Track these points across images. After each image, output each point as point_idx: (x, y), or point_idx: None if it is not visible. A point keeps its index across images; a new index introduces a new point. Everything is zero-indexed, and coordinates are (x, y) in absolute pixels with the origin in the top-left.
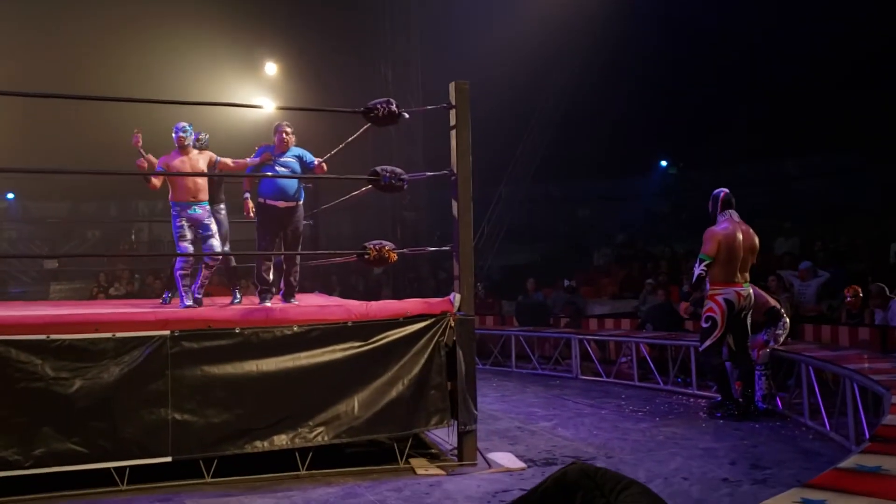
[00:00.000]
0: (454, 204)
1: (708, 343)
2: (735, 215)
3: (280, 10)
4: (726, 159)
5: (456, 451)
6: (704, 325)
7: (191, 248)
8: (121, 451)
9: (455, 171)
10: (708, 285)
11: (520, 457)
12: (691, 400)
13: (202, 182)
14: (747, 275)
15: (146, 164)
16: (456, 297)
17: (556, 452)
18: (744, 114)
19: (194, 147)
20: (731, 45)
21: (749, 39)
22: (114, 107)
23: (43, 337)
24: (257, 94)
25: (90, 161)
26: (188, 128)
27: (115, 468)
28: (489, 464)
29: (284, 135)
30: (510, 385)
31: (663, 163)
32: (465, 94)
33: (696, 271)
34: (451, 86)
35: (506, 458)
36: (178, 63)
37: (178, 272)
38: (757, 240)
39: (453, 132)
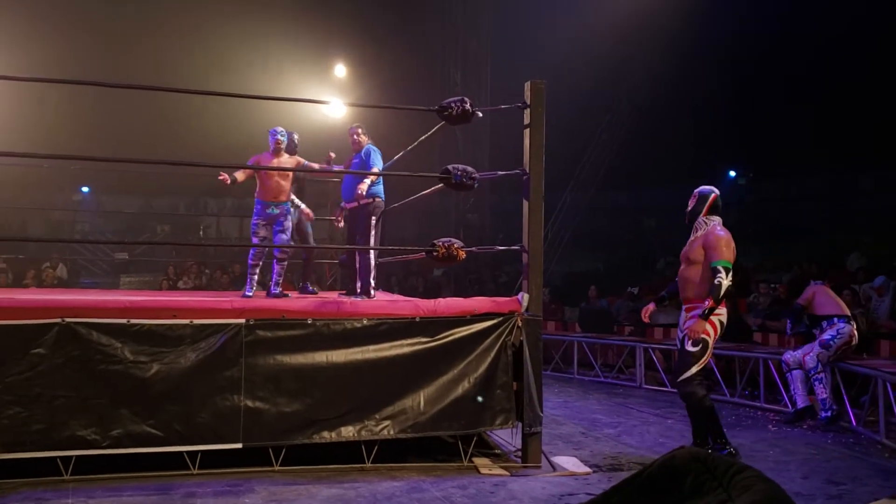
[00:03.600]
0: (525, 203)
1: (694, 370)
2: None
3: (349, 13)
4: (797, 171)
5: (519, 453)
6: (692, 348)
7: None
8: (194, 436)
9: (527, 170)
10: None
11: (584, 462)
12: (759, 413)
13: (285, 185)
14: None
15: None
16: (524, 297)
17: (621, 459)
18: (816, 125)
19: (287, 149)
20: (805, 55)
21: (823, 49)
22: (188, 103)
23: (123, 321)
24: (326, 95)
25: (163, 156)
26: (284, 132)
27: (187, 452)
28: (553, 467)
29: (355, 136)
30: (572, 391)
31: (732, 173)
32: (540, 93)
33: (725, 283)
34: (527, 85)
35: (570, 462)
36: (248, 63)
37: (251, 261)
38: None
39: (527, 131)
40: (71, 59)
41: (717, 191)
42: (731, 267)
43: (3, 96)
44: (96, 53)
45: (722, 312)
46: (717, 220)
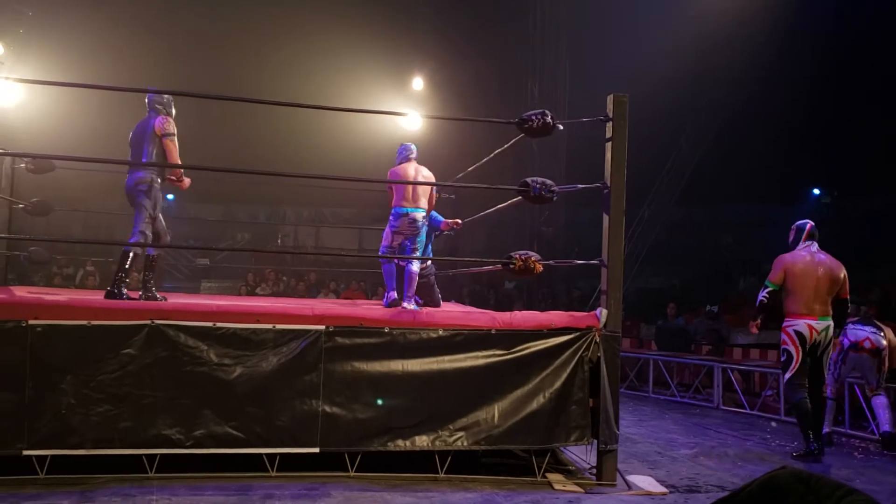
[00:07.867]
0: (605, 217)
1: (788, 375)
2: (815, 247)
3: (430, 26)
4: (884, 189)
5: (593, 470)
6: (782, 358)
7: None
8: (273, 439)
9: (608, 184)
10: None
11: (660, 482)
12: (843, 438)
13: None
14: (825, 307)
15: None
16: (602, 313)
17: (699, 480)
18: None
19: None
20: (891, 66)
21: None
22: (268, 113)
23: (210, 324)
24: (403, 107)
25: (242, 165)
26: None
27: (266, 454)
28: (629, 485)
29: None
30: (647, 410)
31: (816, 191)
32: (623, 106)
33: (759, 297)
34: (609, 98)
35: (646, 482)
36: (327, 74)
37: (415, 274)
38: (841, 272)
39: (609, 144)
40: (153, 69)
41: (811, 222)
42: (770, 285)
43: (90, 105)
44: (177, 64)
45: (794, 323)
46: (805, 244)
